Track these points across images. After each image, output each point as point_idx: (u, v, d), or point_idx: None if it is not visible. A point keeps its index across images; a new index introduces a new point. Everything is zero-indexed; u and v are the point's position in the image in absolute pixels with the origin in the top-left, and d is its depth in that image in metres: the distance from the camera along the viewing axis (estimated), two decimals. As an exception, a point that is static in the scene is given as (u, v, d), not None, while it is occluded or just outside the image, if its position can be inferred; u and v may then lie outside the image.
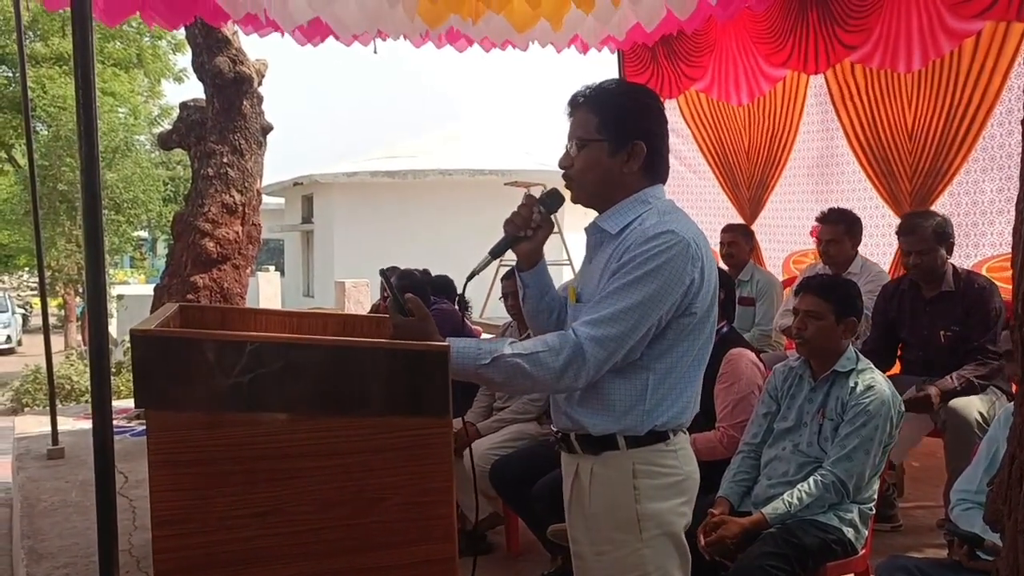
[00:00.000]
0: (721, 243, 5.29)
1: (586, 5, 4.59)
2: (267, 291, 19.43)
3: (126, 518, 4.37)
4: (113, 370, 10.59)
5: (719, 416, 3.16)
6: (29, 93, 6.13)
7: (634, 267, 1.84)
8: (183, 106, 7.57)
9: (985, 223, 4.68)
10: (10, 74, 19.36)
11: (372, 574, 1.75)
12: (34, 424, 6.95)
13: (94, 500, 2.31)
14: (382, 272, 2.29)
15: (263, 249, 10.34)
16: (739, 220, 6.23)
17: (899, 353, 4.19)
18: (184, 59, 21.09)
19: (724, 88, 6.40)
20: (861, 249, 4.62)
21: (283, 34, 5.27)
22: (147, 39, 20.60)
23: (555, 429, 2.06)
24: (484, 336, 5.33)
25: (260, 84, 7.24)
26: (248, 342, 1.69)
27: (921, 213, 4.18)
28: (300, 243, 23.01)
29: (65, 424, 6.47)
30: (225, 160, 7.06)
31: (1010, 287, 3.41)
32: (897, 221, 4.51)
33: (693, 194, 6.95)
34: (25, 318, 28.09)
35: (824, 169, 5.81)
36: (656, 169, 1.99)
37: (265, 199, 9.31)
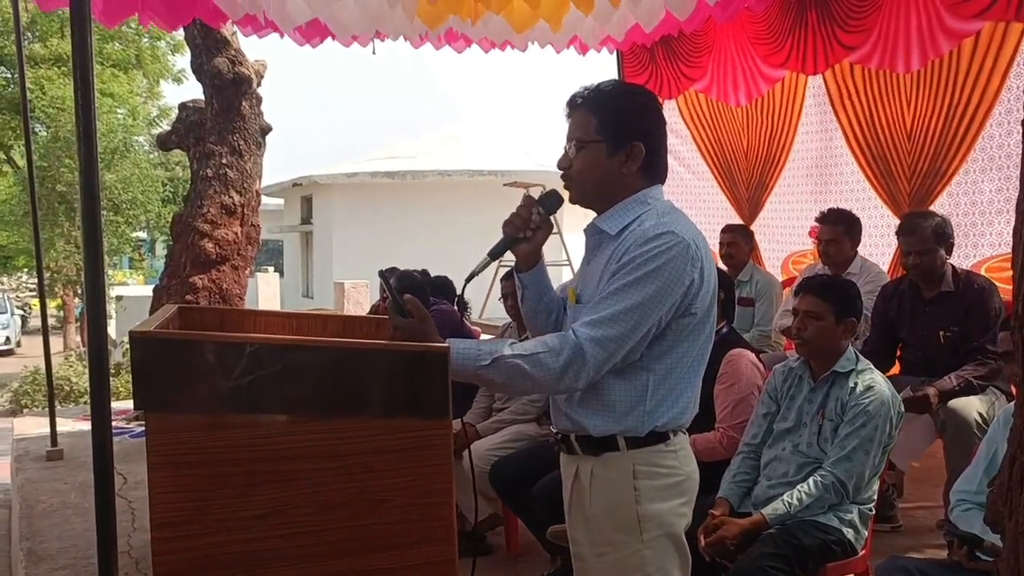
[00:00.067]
0: (720, 243, 5.29)
1: (585, 6, 4.59)
2: (266, 292, 19.41)
3: (125, 519, 4.36)
4: (112, 371, 10.60)
5: (719, 417, 3.16)
6: (28, 94, 6.12)
7: (634, 268, 1.84)
8: (182, 107, 7.56)
9: (984, 223, 4.68)
10: (9, 75, 19.35)
11: (372, 576, 1.75)
12: (33, 425, 6.95)
13: (93, 501, 2.30)
14: (381, 273, 2.29)
15: (262, 250, 10.34)
16: (738, 221, 6.23)
17: (899, 353, 4.19)
18: (183, 60, 21.09)
19: (723, 89, 6.40)
20: (860, 249, 4.63)
21: (282, 35, 5.27)
22: (146, 40, 20.59)
23: (555, 430, 2.05)
24: (483, 337, 5.33)
25: (259, 85, 7.24)
26: (248, 344, 1.69)
27: (921, 213, 4.18)
28: (299, 244, 23.01)
29: (64, 425, 6.47)
30: (224, 161, 7.05)
31: (1009, 287, 3.41)
32: (896, 221, 4.51)
33: (692, 195, 6.95)
34: (24, 319, 28.06)
35: (823, 169, 5.81)
36: (655, 170, 1.99)
37: (264, 200, 9.30)
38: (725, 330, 3.30)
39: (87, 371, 2.39)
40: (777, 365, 3.13)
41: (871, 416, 2.74)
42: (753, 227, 6.08)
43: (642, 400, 1.89)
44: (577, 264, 2.58)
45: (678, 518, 1.96)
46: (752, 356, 3.27)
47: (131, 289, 23.42)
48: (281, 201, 23.99)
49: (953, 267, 3.97)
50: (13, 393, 12.90)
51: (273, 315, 2.48)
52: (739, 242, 5.27)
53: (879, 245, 5.20)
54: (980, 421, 3.50)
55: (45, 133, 18.54)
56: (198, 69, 7.05)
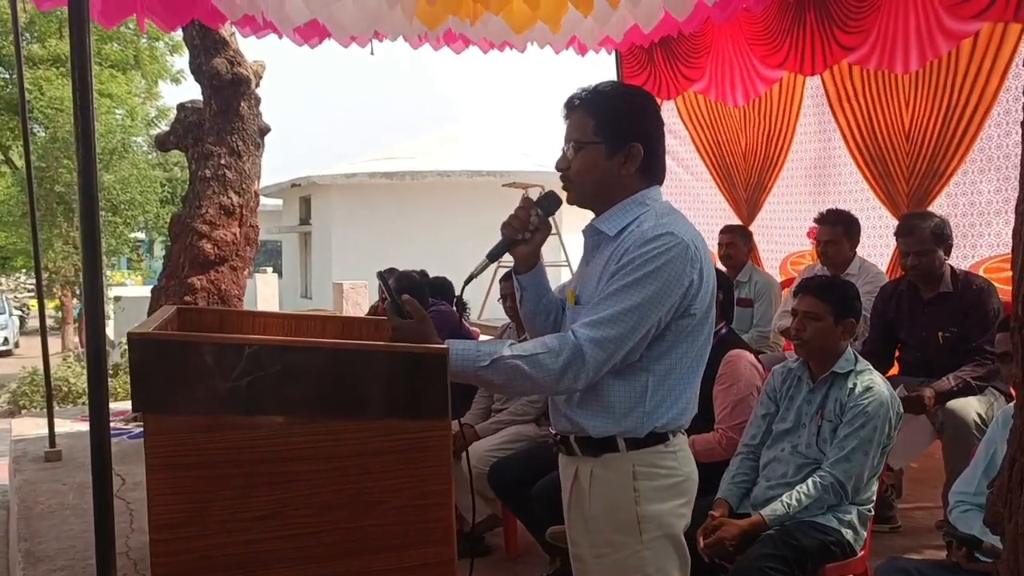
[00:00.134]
0: (719, 244, 5.29)
1: (584, 7, 4.59)
2: (264, 293, 19.41)
3: (123, 520, 4.36)
4: (110, 372, 10.57)
5: (718, 418, 3.16)
6: (26, 95, 6.12)
7: (633, 269, 1.85)
8: (180, 107, 7.55)
9: (982, 224, 4.68)
10: (7, 76, 19.33)
11: (371, 577, 1.75)
12: (31, 426, 6.93)
13: (91, 502, 2.30)
14: (379, 275, 2.29)
15: (261, 251, 10.34)
16: (736, 221, 6.23)
17: (897, 354, 4.20)
18: (181, 60, 21.09)
19: (721, 90, 6.41)
20: (859, 250, 4.63)
21: (280, 36, 5.26)
22: (144, 41, 20.57)
23: (554, 432, 2.05)
24: (482, 338, 5.33)
25: (258, 85, 7.24)
26: (246, 345, 1.69)
27: (919, 214, 4.19)
28: (298, 245, 23.01)
29: (62, 426, 6.46)
30: (223, 162, 7.05)
31: (1008, 288, 3.41)
32: (894, 222, 4.51)
33: (690, 195, 6.96)
34: (22, 320, 28.02)
35: (821, 170, 5.82)
36: (653, 171, 1.99)
37: (263, 201, 9.29)
38: (724, 331, 3.30)
39: (85, 372, 2.39)
40: (776, 366, 3.13)
41: (870, 417, 2.74)
42: (751, 228, 6.09)
43: (641, 401, 1.89)
44: (576, 265, 2.59)
45: (677, 519, 1.96)
46: (751, 357, 3.27)
47: (129, 290, 23.39)
48: (280, 202, 23.99)
49: (952, 268, 3.97)
50: (11, 394, 12.88)
51: (272, 316, 2.47)
52: (738, 243, 5.27)
53: (877, 246, 5.20)
54: (979, 422, 3.50)
55: (43, 134, 18.54)
56: (196, 70, 7.04)
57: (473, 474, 3.56)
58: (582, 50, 6.19)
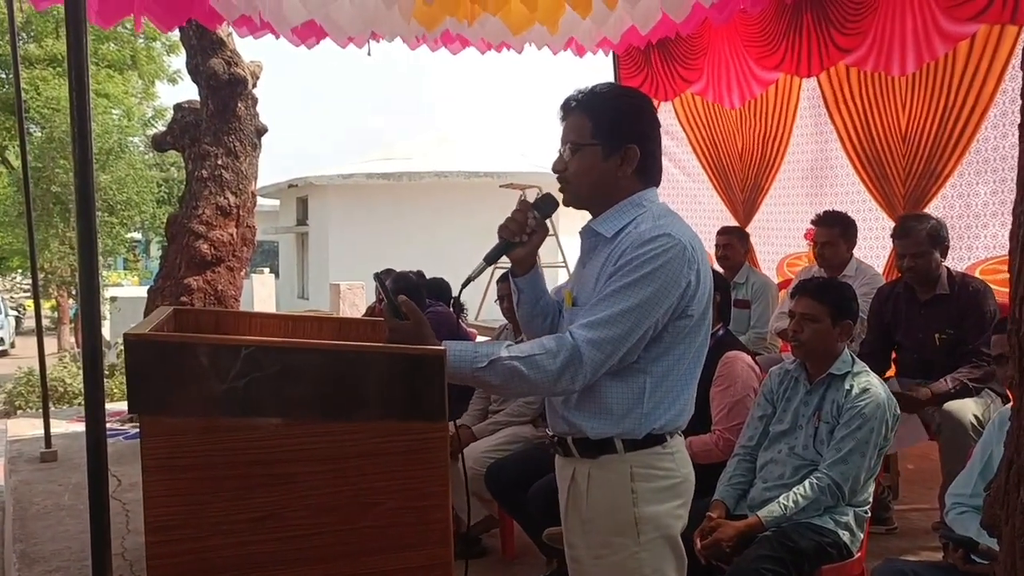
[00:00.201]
0: (717, 245, 5.29)
1: (582, 8, 4.59)
2: (261, 293, 19.38)
3: (119, 522, 4.35)
4: (106, 372, 10.55)
5: (715, 419, 3.16)
6: (23, 94, 6.10)
7: (631, 270, 1.85)
8: (177, 108, 7.54)
9: (979, 226, 4.69)
10: (3, 75, 19.28)
11: (368, 579, 1.75)
12: (27, 427, 6.92)
13: (87, 503, 2.30)
14: (376, 276, 2.28)
15: (257, 251, 10.33)
16: (733, 223, 6.24)
17: (894, 356, 4.20)
18: (178, 60, 21.09)
19: (718, 91, 6.41)
20: (855, 252, 4.63)
21: (277, 36, 5.26)
22: (141, 41, 20.53)
23: (551, 433, 2.05)
24: (480, 339, 5.33)
25: (255, 86, 7.23)
26: (243, 346, 1.69)
27: (916, 216, 4.19)
28: (295, 245, 22.99)
29: (58, 427, 6.45)
30: (219, 162, 7.04)
31: (1004, 289, 3.41)
32: (891, 224, 4.51)
33: (687, 197, 6.96)
34: (18, 320, 27.98)
35: (818, 172, 5.82)
36: (649, 172, 1.99)
37: (260, 201, 9.28)
38: (721, 332, 3.30)
39: (81, 372, 2.38)
40: (773, 367, 3.13)
41: (867, 419, 2.74)
42: (748, 229, 6.10)
43: (639, 402, 1.89)
44: (573, 266, 2.58)
45: (675, 520, 1.96)
46: (748, 358, 3.27)
47: (126, 290, 23.36)
48: (277, 202, 23.97)
49: (948, 269, 3.97)
50: (7, 394, 12.86)
51: (268, 317, 2.47)
52: (735, 244, 5.27)
53: (874, 248, 5.21)
54: (975, 423, 3.50)
55: (40, 134, 18.49)
56: (194, 70, 7.04)
57: (470, 475, 3.57)
58: (580, 51, 6.20)
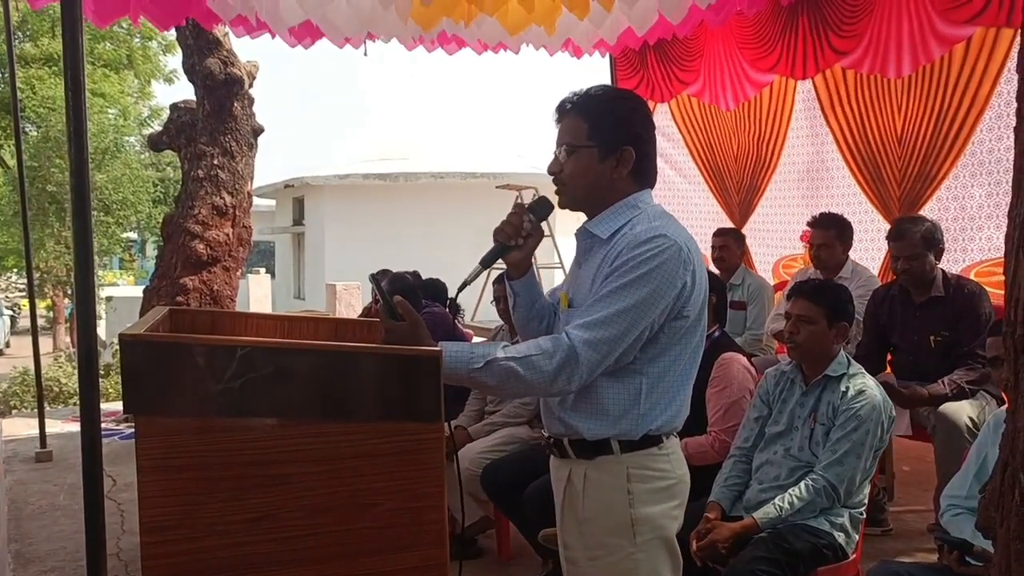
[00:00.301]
0: (712, 247, 5.30)
1: (579, 9, 4.59)
2: (257, 293, 19.36)
3: (114, 522, 4.34)
4: (102, 372, 10.54)
5: (711, 420, 3.16)
6: (18, 94, 6.09)
7: (627, 271, 1.85)
8: (173, 107, 7.54)
9: (973, 228, 4.69)
10: (-1, 74, 19.25)
11: (363, 580, 1.74)
12: (22, 427, 6.91)
13: (82, 503, 2.29)
14: (372, 277, 2.28)
15: (253, 251, 10.31)
16: (729, 224, 6.24)
17: (889, 358, 4.21)
18: (175, 60, 21.00)
19: (714, 93, 6.42)
20: (850, 254, 4.64)
21: (273, 35, 5.25)
22: (137, 40, 20.49)
23: (547, 434, 2.05)
24: (476, 339, 5.32)
25: (251, 86, 7.23)
26: (239, 347, 1.68)
27: (910, 219, 4.20)
28: (291, 245, 22.97)
29: (53, 427, 6.44)
30: (215, 162, 7.03)
31: (999, 292, 3.41)
32: (886, 226, 4.52)
33: (683, 198, 6.97)
34: (13, 320, 27.89)
35: (813, 174, 5.83)
36: (645, 174, 1.99)
37: (256, 201, 9.27)
38: (717, 334, 3.31)
39: (76, 372, 2.38)
40: (769, 369, 3.14)
41: (862, 420, 2.74)
42: (744, 231, 6.11)
43: (636, 403, 1.89)
44: (569, 267, 2.58)
45: (670, 521, 1.96)
46: (744, 360, 3.28)
47: (121, 290, 23.32)
48: (273, 202, 23.94)
49: (944, 272, 3.98)
50: (2, 394, 12.82)
51: (264, 317, 2.46)
52: (731, 246, 5.28)
53: (869, 250, 5.22)
54: (970, 425, 3.51)
55: (35, 133, 18.44)
56: (190, 70, 7.03)
57: (466, 476, 3.57)
58: (577, 53, 6.20)
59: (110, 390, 10.43)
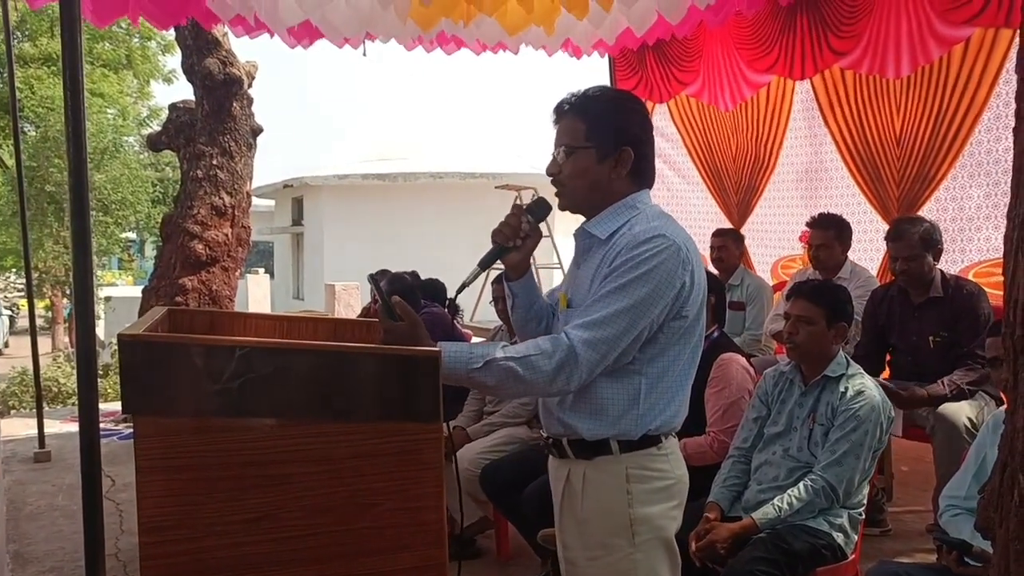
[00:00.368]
0: (711, 248, 5.30)
1: (578, 10, 4.59)
2: (256, 294, 19.36)
3: (113, 522, 4.34)
4: (100, 372, 10.53)
5: (709, 421, 3.16)
6: (17, 94, 6.09)
7: (626, 271, 1.85)
8: (172, 107, 7.53)
9: (972, 229, 4.70)
10: (-2, 74, 19.23)
11: (362, 580, 1.74)
12: (21, 427, 6.91)
13: (81, 503, 2.29)
14: (370, 277, 2.28)
15: (252, 251, 10.31)
16: (728, 225, 6.24)
17: (888, 358, 4.21)
18: (174, 60, 21.00)
19: (713, 93, 6.42)
20: (849, 254, 4.64)
21: (272, 35, 5.25)
22: (136, 40, 20.48)
23: (546, 435, 2.05)
24: (475, 340, 5.32)
25: (250, 86, 7.22)
26: (237, 347, 1.68)
27: (909, 219, 4.20)
28: (290, 245, 22.96)
29: (52, 427, 6.44)
30: (214, 162, 7.03)
31: (997, 292, 3.41)
32: (885, 226, 4.52)
33: (682, 198, 6.97)
34: (12, 320, 27.86)
35: (812, 174, 5.84)
36: (643, 174, 1.99)
37: (255, 201, 9.26)
38: (716, 334, 3.31)
39: (75, 372, 2.38)
40: (768, 369, 3.14)
41: (861, 421, 2.74)
42: (742, 231, 6.11)
43: (635, 403, 1.89)
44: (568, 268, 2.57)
45: (669, 521, 1.96)
46: (743, 360, 3.28)
47: (120, 290, 23.31)
48: (272, 202, 23.93)
49: (942, 272, 3.98)
50: (1, 394, 12.81)
51: (263, 317, 2.46)
52: (730, 246, 5.28)
53: (868, 250, 5.22)
54: (969, 426, 3.51)
55: (34, 133, 18.44)
56: (189, 70, 7.03)
57: (464, 476, 3.57)
58: (576, 53, 6.20)
59: (109, 390, 10.43)
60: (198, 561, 1.67)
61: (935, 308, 3.92)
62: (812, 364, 2.91)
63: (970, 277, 4.36)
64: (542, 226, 2.13)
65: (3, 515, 4.87)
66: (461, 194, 18.36)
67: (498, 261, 2.07)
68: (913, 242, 3.89)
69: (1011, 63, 4.42)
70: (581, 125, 1.95)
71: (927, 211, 4.80)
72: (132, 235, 26.64)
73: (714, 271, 4.95)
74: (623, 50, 6.73)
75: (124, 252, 28.45)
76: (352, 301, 13.07)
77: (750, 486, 2.91)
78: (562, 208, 2.04)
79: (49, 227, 18.68)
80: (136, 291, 15.89)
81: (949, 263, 4.53)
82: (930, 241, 3.91)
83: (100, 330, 16.17)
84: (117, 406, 7.19)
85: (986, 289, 3.97)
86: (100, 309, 17.33)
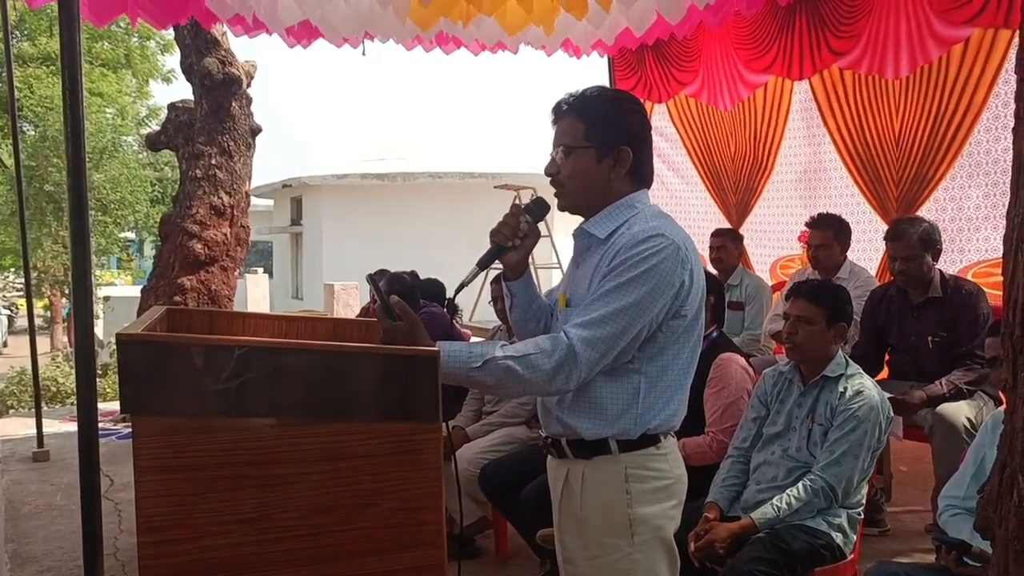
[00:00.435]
0: (710, 248, 5.30)
1: (577, 10, 4.59)
2: (255, 293, 19.36)
3: (111, 522, 4.34)
4: (99, 372, 10.53)
5: (708, 421, 3.16)
6: (16, 93, 6.09)
7: (625, 269, 1.85)
8: (171, 107, 7.53)
9: (970, 229, 4.70)
10: (-4, 73, 19.20)
11: (361, 580, 1.74)
12: (19, 426, 6.90)
13: (79, 503, 2.29)
14: (370, 277, 2.28)
15: (251, 251, 10.31)
16: (726, 225, 6.25)
17: (887, 358, 4.21)
18: (173, 60, 20.98)
19: (712, 93, 6.42)
20: (848, 254, 4.64)
21: (270, 34, 5.25)
22: (135, 39, 20.47)
23: (544, 435, 2.05)
24: (473, 339, 5.32)
25: (249, 85, 7.22)
26: (236, 347, 1.68)
27: (908, 219, 4.20)
28: (289, 245, 22.96)
29: (50, 426, 6.43)
30: (213, 162, 7.03)
31: (996, 292, 3.41)
32: (884, 226, 4.52)
33: (681, 198, 6.97)
34: (11, 319, 27.85)
35: (811, 174, 5.84)
36: (641, 174, 2.00)
37: (254, 201, 9.27)
38: (715, 334, 3.31)
39: (74, 372, 2.38)
40: (767, 369, 3.14)
41: (860, 421, 2.74)
42: (741, 231, 6.11)
43: (634, 402, 1.89)
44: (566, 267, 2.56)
45: (668, 521, 1.96)
46: (742, 360, 3.28)
47: (119, 290, 23.31)
48: (271, 202, 23.93)
49: (941, 272, 3.98)
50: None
51: (262, 317, 2.46)
52: (729, 246, 5.28)
53: (867, 250, 5.22)
54: (968, 426, 3.51)
55: (33, 132, 18.43)
56: (188, 69, 7.02)
57: (464, 476, 3.57)
58: (576, 53, 6.20)
59: (107, 389, 10.42)
60: (197, 561, 1.67)
61: (934, 308, 3.92)
62: (811, 364, 2.91)
63: (969, 277, 4.36)
64: (541, 226, 2.13)
65: (2, 515, 4.87)
66: (460, 194, 18.36)
67: (497, 261, 2.07)
68: (912, 242, 3.90)
69: (1010, 64, 4.42)
70: (580, 125, 1.95)
71: (926, 211, 4.80)
72: (131, 235, 26.62)
73: (713, 271, 4.95)
74: (622, 50, 6.73)
75: (123, 252, 28.44)
76: (351, 301, 13.08)
77: (749, 486, 2.91)
78: (561, 208, 2.04)
79: (48, 226, 18.68)
80: (135, 291, 15.90)
81: (948, 263, 4.53)
82: (929, 241, 3.91)
83: (99, 330, 16.17)
84: (116, 406, 7.19)
85: (985, 289, 3.97)
86: (99, 309, 17.33)
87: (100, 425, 2.69)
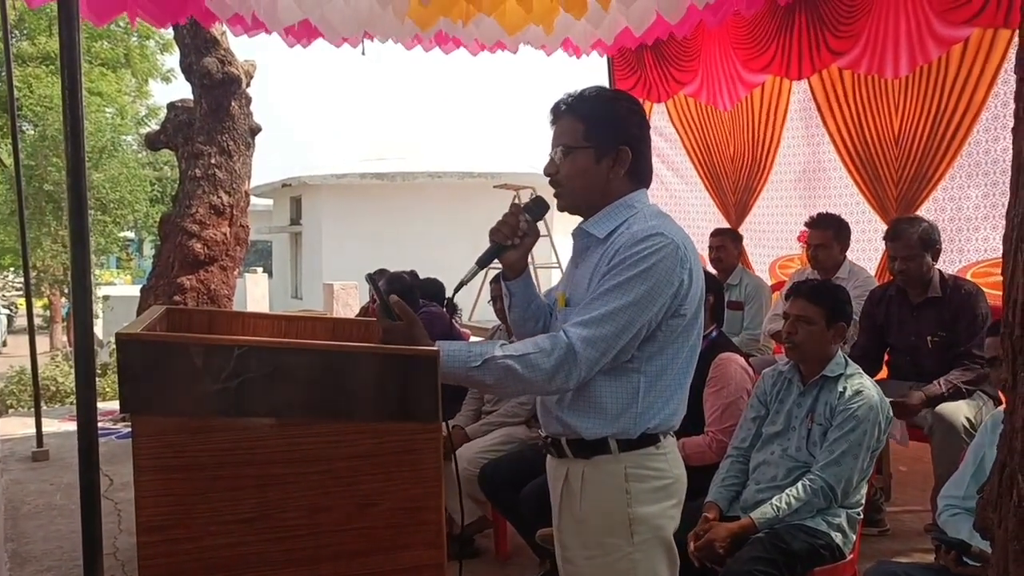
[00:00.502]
0: (710, 247, 5.30)
1: (577, 9, 4.59)
2: (255, 293, 19.36)
3: (111, 521, 4.34)
4: (98, 371, 10.52)
5: (708, 421, 3.16)
6: (15, 92, 6.09)
7: (624, 268, 1.85)
8: (171, 106, 7.53)
9: (970, 229, 4.70)
10: (-4, 73, 19.19)
11: (360, 580, 1.74)
12: (19, 426, 6.90)
13: (79, 503, 2.29)
14: (369, 276, 2.28)
15: (251, 251, 10.31)
16: (725, 225, 6.25)
17: (886, 358, 4.21)
18: (172, 59, 20.98)
19: (711, 93, 6.43)
20: (847, 254, 4.64)
21: (269, 33, 5.24)
22: (135, 39, 20.46)
23: (544, 434, 2.05)
24: (473, 339, 5.32)
25: (248, 85, 7.22)
26: (236, 346, 1.68)
27: (908, 219, 4.20)
28: (288, 245, 22.96)
29: (50, 426, 6.43)
30: (213, 161, 7.03)
31: (996, 292, 3.41)
32: (883, 226, 4.52)
33: (680, 198, 6.97)
34: (10, 319, 27.82)
35: (810, 174, 5.84)
36: (640, 174, 2.00)
37: (253, 200, 9.26)
38: (715, 334, 3.31)
39: (73, 371, 2.38)
40: (766, 369, 3.14)
41: (860, 421, 2.74)
42: (740, 231, 6.11)
43: (634, 402, 1.89)
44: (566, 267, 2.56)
45: (668, 521, 1.96)
46: (741, 360, 3.28)
47: (118, 289, 23.30)
48: (270, 202, 23.93)
49: (941, 272, 3.98)
50: (-1, 393, 12.80)
51: (262, 317, 2.46)
52: (728, 246, 5.28)
53: (866, 250, 5.23)
54: (968, 426, 3.51)
55: (33, 132, 18.42)
56: (187, 69, 7.02)
57: (463, 476, 3.56)
58: (575, 52, 6.20)
59: (107, 389, 10.42)
60: (196, 560, 1.67)
61: (933, 308, 3.92)
62: (811, 364, 2.91)
63: (968, 277, 4.36)
64: (540, 225, 2.13)
65: (1, 514, 4.87)
66: (459, 193, 18.36)
67: (496, 260, 2.07)
68: (911, 242, 3.90)
69: (1009, 63, 4.42)
70: (579, 125, 1.95)
71: (925, 211, 4.80)
72: (130, 234, 26.62)
73: (712, 271, 4.95)
74: (621, 50, 6.73)
75: (122, 251, 28.42)
76: (350, 300, 13.08)
77: (748, 486, 2.91)
78: (560, 208, 2.04)
79: (47, 226, 18.67)
80: (134, 290, 15.90)
81: (947, 263, 4.53)
82: (928, 241, 3.91)
83: (98, 329, 16.17)
84: (115, 405, 7.18)
85: (984, 289, 3.97)
86: (98, 308, 17.33)
87: (100, 425, 2.69)
